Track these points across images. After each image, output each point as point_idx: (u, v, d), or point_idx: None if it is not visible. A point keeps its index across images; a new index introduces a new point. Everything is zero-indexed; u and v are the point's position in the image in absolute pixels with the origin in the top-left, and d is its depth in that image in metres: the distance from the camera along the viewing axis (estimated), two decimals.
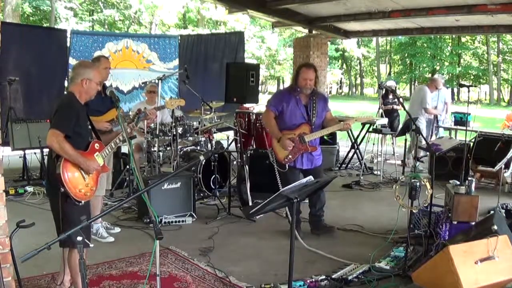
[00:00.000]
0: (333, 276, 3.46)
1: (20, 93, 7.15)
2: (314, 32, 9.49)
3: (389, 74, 38.43)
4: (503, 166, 5.08)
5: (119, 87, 8.17)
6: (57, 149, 2.75)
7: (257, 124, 7.14)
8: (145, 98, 6.39)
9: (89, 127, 3.07)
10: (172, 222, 4.74)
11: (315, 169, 4.38)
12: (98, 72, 3.13)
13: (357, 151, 7.90)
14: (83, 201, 2.84)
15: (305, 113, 4.35)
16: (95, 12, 24.07)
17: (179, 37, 9.15)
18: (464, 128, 6.28)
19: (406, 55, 34.48)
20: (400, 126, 7.90)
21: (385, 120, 7.79)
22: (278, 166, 4.46)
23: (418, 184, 3.39)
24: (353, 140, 7.92)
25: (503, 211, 4.52)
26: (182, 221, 4.81)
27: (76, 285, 2.96)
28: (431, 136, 7.96)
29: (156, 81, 5.73)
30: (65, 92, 2.89)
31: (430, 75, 30.88)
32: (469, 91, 5.31)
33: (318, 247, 4.13)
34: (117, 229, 4.50)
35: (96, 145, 3.02)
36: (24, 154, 6.37)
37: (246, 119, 7.26)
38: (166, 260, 3.81)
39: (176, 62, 8.69)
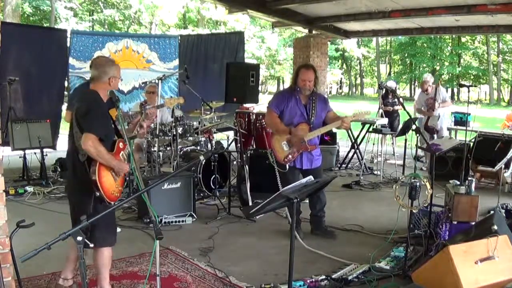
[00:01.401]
0: (333, 276, 3.46)
1: (20, 93, 7.15)
2: (314, 32, 9.49)
3: (389, 74, 38.46)
4: (503, 166, 5.08)
5: (119, 87, 8.15)
6: (93, 153, 2.67)
7: (257, 124, 7.14)
8: (145, 98, 6.39)
9: (112, 125, 3.04)
10: (172, 222, 4.74)
11: (315, 169, 4.37)
12: (119, 68, 3.08)
13: (357, 151, 7.90)
14: (113, 203, 2.85)
15: (304, 113, 4.35)
16: (95, 12, 24.07)
17: (179, 37, 9.14)
18: (464, 128, 6.28)
19: (406, 55, 34.53)
20: (400, 126, 7.91)
21: (385, 120, 7.79)
22: (278, 166, 4.46)
23: (418, 184, 3.40)
24: (353, 140, 7.92)
25: (503, 211, 4.52)
26: (182, 221, 4.81)
27: (101, 281, 2.98)
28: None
29: (156, 81, 5.73)
30: (77, 90, 2.86)
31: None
32: (469, 91, 5.31)
33: (318, 247, 4.14)
34: (118, 229, 4.49)
35: (121, 144, 2.98)
36: (24, 154, 6.37)
37: (246, 119, 7.26)
38: (166, 260, 3.81)
39: (176, 62, 8.68)
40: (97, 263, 2.97)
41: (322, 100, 4.48)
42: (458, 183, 3.88)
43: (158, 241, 2.34)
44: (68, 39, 7.72)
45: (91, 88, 2.96)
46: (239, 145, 5.73)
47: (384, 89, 7.81)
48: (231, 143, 7.35)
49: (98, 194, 2.72)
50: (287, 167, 4.37)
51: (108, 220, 2.85)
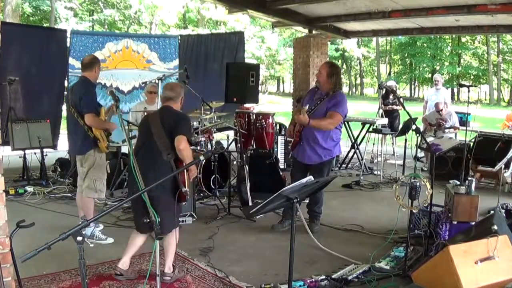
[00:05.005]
0: (333, 276, 3.46)
1: (20, 93, 7.14)
2: (314, 32, 9.48)
3: (389, 74, 38.44)
4: (503, 166, 5.09)
5: (119, 87, 8.15)
6: (187, 153, 3.21)
7: (257, 124, 7.14)
8: (145, 98, 6.39)
9: None
10: None
11: (313, 166, 4.45)
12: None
13: (357, 151, 7.90)
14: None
15: (308, 106, 4.42)
16: (95, 12, 24.06)
17: (179, 37, 9.13)
18: (464, 128, 6.29)
19: (406, 55, 34.51)
20: (400, 126, 7.91)
21: (385, 120, 7.79)
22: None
23: (418, 184, 3.40)
24: (353, 140, 7.92)
25: (503, 211, 4.52)
26: (182, 221, 4.80)
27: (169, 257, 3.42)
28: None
29: (156, 81, 5.72)
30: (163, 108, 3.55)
31: (430, 75, 30.92)
32: (469, 91, 5.32)
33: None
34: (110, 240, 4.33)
35: None
36: (24, 154, 6.37)
37: (246, 119, 7.26)
38: None
39: (176, 62, 8.67)
40: (168, 243, 3.38)
41: (330, 99, 4.39)
42: (458, 183, 3.88)
43: (158, 241, 2.34)
44: (68, 39, 7.71)
45: (166, 105, 3.48)
46: (239, 145, 5.73)
47: (384, 89, 7.81)
48: (231, 143, 7.35)
49: (184, 189, 3.13)
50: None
51: (172, 209, 3.30)
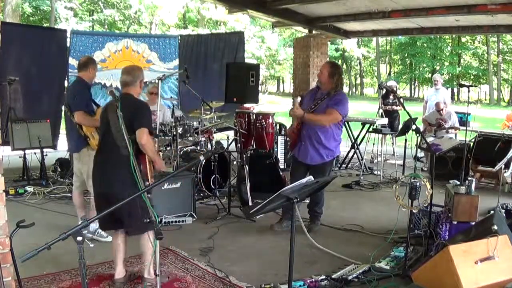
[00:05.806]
0: (333, 276, 3.46)
1: (20, 93, 7.15)
2: (314, 32, 9.48)
3: (389, 74, 38.45)
4: (503, 166, 5.09)
5: (119, 87, 8.15)
6: (148, 146, 3.05)
7: (257, 124, 7.14)
8: (145, 98, 6.38)
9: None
10: (172, 222, 4.74)
11: (314, 166, 4.43)
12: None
13: (357, 151, 7.90)
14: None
15: (308, 105, 4.43)
16: (95, 12, 24.08)
17: (179, 37, 9.13)
18: (464, 128, 6.29)
19: (406, 55, 34.52)
20: (400, 126, 7.91)
21: (385, 120, 7.79)
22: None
23: (418, 184, 3.39)
24: (353, 140, 7.92)
25: (503, 211, 4.52)
26: (182, 221, 4.81)
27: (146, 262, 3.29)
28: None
29: (157, 81, 5.73)
30: (120, 95, 3.33)
31: (430, 75, 30.90)
32: (469, 91, 5.32)
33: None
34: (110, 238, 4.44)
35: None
36: (24, 154, 6.37)
37: (246, 119, 7.26)
38: (166, 260, 3.81)
39: (176, 62, 8.68)
40: (143, 246, 3.26)
41: (330, 98, 4.37)
42: (458, 183, 3.88)
43: (158, 241, 2.34)
44: (68, 39, 7.72)
45: (125, 92, 3.32)
46: (239, 145, 5.73)
47: (384, 89, 7.82)
48: (231, 143, 7.35)
49: (147, 183, 3.01)
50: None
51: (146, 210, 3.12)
